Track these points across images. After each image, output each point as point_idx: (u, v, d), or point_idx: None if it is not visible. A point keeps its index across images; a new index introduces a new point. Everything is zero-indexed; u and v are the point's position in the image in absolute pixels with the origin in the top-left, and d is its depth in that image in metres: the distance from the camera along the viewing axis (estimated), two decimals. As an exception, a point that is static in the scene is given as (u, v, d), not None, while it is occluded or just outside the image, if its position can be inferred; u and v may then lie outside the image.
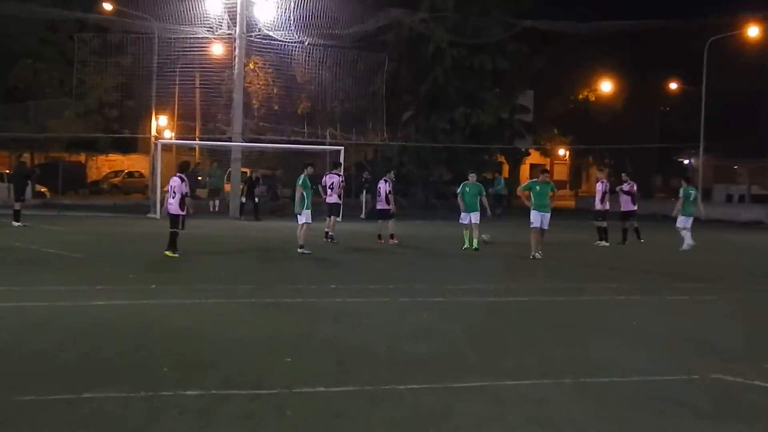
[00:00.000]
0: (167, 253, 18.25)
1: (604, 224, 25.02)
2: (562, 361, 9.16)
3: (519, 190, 22.20)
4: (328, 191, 23.94)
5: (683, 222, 24.10)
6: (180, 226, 18.72)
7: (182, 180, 18.40)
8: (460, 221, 22.49)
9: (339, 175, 24.50)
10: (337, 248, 22.12)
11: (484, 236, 23.75)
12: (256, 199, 34.42)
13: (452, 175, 53.32)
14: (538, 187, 20.73)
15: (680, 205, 24.21)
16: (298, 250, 19.84)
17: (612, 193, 25.86)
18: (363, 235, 26.51)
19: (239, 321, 11.00)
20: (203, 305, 12.27)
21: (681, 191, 24.48)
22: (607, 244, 24.67)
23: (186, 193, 18.38)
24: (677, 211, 24.25)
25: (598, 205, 25.19)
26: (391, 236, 23.65)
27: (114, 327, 10.38)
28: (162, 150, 36.46)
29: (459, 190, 22.74)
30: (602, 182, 25.73)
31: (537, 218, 20.43)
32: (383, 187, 24.08)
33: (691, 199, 24.31)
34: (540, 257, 20.01)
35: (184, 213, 18.64)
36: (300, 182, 20.15)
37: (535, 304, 13.31)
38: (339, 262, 19.02)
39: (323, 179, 24.47)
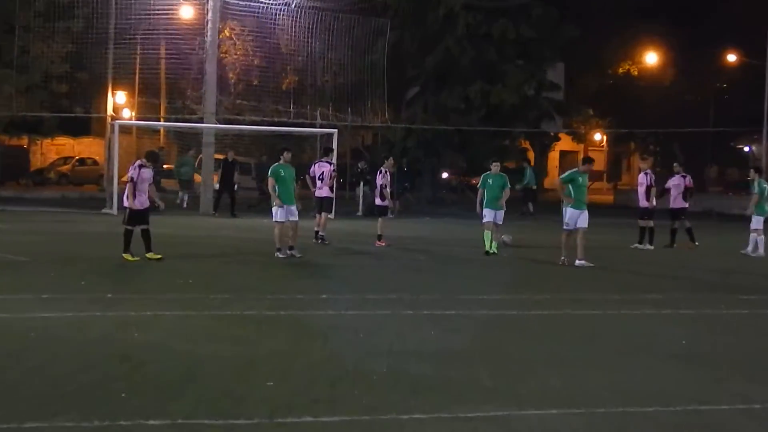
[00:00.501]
0: (125, 256, 18.29)
1: (651, 224, 25.03)
2: (595, 387, 9.17)
3: (557, 182, 22.00)
4: (318, 183, 23.84)
5: (757, 223, 23.90)
6: (125, 221, 18.67)
7: (140, 167, 18.42)
8: (483, 220, 22.18)
9: (330, 164, 24.36)
10: (329, 251, 22.11)
11: (504, 237, 23.76)
12: (236, 186, 34.32)
13: (466, 164, 53.36)
14: (580, 179, 20.39)
15: (755, 202, 24.05)
16: (276, 254, 19.87)
17: (662, 189, 25.81)
18: (360, 235, 26.51)
19: (211, 337, 11.02)
20: (168, 318, 12.29)
21: (755, 186, 24.25)
22: (651, 248, 24.70)
23: (134, 178, 18.35)
24: (751, 209, 24.10)
25: (643, 202, 25.14)
26: (379, 237, 23.65)
27: (62, 343, 10.39)
28: (120, 132, 36.46)
29: (480, 183, 22.61)
30: (646, 174, 25.71)
31: (573, 217, 20.28)
32: (378, 178, 24.07)
33: (766, 194, 24.03)
34: (569, 263, 19.99)
35: (126, 206, 18.64)
36: (270, 172, 20.19)
37: (564, 319, 13.33)
38: (331, 268, 19.01)
39: (312, 168, 24.29)
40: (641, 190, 25.31)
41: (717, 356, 10.93)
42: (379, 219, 23.95)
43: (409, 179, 43.13)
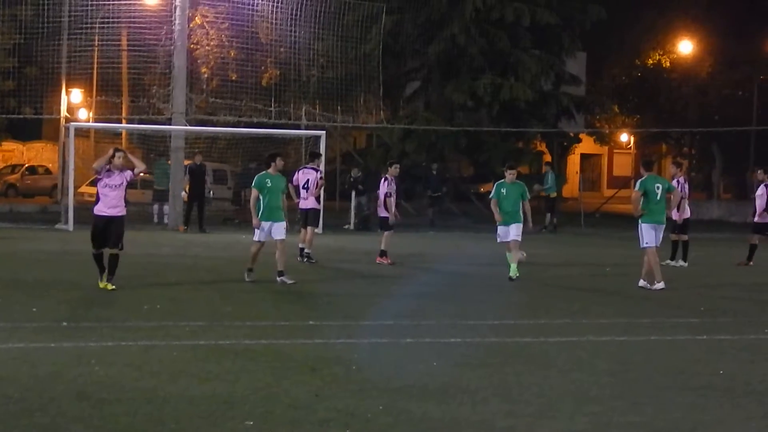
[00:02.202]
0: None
1: (685, 238, 25.07)
2: (625, 426, 9.16)
3: (634, 195, 21.17)
4: (303, 193, 23.78)
5: None
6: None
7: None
8: (499, 239, 21.38)
9: (317, 171, 24.33)
10: (316, 270, 22.11)
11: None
12: (211, 194, 34.11)
13: (474, 169, 53.38)
14: (658, 187, 20.15)
15: None
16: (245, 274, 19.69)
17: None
18: (351, 252, 26.51)
19: (181, 372, 11.00)
20: (131, 349, 12.27)
21: None
22: (686, 265, 24.74)
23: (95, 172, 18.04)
24: None
25: (674, 213, 25.14)
26: (382, 254, 23.64)
27: (8, 380, 10.35)
28: (76, 136, 36.44)
29: (493, 193, 21.46)
30: (679, 181, 25.70)
31: (651, 234, 19.94)
32: (381, 187, 24.04)
33: None
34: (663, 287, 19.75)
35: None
36: (254, 182, 19.97)
37: (587, 347, 13.31)
38: (318, 290, 19.00)
39: (295, 176, 24.13)
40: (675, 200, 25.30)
41: (762, 388, 10.92)
42: (385, 233, 23.87)
43: (438, 186, 42.34)
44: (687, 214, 25.19)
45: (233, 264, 22.63)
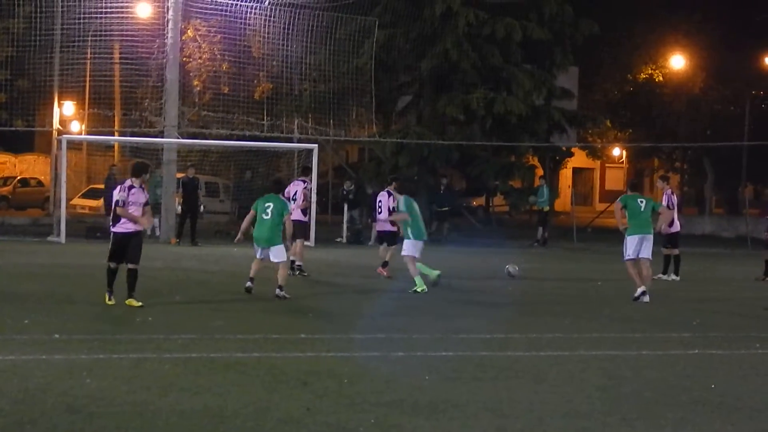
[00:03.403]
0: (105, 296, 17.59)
1: (676, 252, 25.14)
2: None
3: (615, 206, 21.98)
4: (291, 204, 23.75)
5: None
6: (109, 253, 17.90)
7: (123, 186, 17.62)
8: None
9: (305, 182, 24.37)
10: (308, 283, 22.11)
11: (509, 268, 23.85)
12: (202, 208, 34.09)
13: (466, 183, 53.39)
14: (642, 202, 20.90)
15: None
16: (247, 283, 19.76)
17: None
18: (342, 266, 26.51)
19: (172, 385, 11.00)
20: (123, 362, 12.26)
21: None
22: (677, 278, 24.80)
23: (121, 202, 17.54)
24: None
25: (664, 227, 25.20)
26: (384, 264, 23.65)
27: None
28: (68, 149, 36.42)
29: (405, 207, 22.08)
30: (667, 193, 25.72)
31: (634, 246, 20.46)
32: (385, 200, 23.93)
33: None
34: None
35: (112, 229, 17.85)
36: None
37: (578, 361, 13.34)
38: (310, 303, 19.01)
39: (287, 189, 24.20)
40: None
41: (754, 404, 10.94)
42: (391, 247, 23.80)
43: (445, 201, 42.11)
44: (676, 227, 25.24)
45: (225, 277, 22.64)
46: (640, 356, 13.92)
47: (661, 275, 24.99)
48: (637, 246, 20.40)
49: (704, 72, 61.25)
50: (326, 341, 14.29)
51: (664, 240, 25.30)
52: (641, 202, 20.79)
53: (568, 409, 10.41)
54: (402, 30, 45.80)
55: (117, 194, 17.35)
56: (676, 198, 25.88)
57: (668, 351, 14.35)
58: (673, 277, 24.93)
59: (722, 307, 20.35)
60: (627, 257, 20.53)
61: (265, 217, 19.62)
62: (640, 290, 20.20)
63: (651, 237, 20.70)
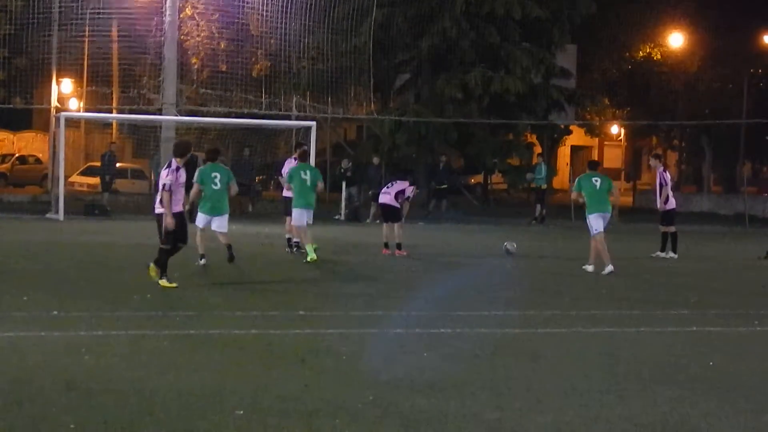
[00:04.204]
0: (159, 280, 17.07)
1: (672, 229, 25.13)
2: (614, 420, 9.16)
3: (573, 196, 22.56)
4: (284, 183, 23.78)
5: None
6: (163, 236, 17.16)
7: (170, 168, 17.31)
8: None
9: (295, 159, 24.32)
10: (305, 261, 22.11)
11: (507, 245, 23.90)
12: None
13: (464, 162, 53.34)
14: (596, 181, 21.36)
15: None
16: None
17: None
18: (341, 243, 26.47)
19: (170, 362, 10.97)
20: (121, 339, 12.24)
21: None
22: (675, 256, 24.80)
23: (168, 185, 17.21)
24: None
25: (660, 204, 25.25)
26: (398, 246, 23.63)
27: (-3, 370, 10.36)
28: (66, 126, 36.36)
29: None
30: (660, 172, 25.70)
31: (599, 222, 21.07)
32: (408, 189, 23.99)
33: None
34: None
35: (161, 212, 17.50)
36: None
37: (576, 339, 13.32)
38: (308, 280, 19.01)
39: (284, 167, 24.23)
40: (658, 191, 25.39)
41: (752, 382, 10.92)
42: (397, 226, 23.77)
43: (444, 179, 41.99)
44: (672, 205, 25.25)
45: (222, 254, 22.58)
46: (638, 334, 13.89)
47: (659, 253, 25.04)
48: (600, 222, 20.99)
49: (702, 50, 61.11)
50: (325, 318, 14.28)
51: (660, 217, 25.36)
52: (596, 180, 21.34)
53: (566, 387, 10.38)
54: (400, 9, 45.83)
55: (165, 177, 16.87)
56: (668, 175, 25.89)
57: (666, 329, 14.32)
58: (671, 254, 24.93)
59: (720, 285, 20.34)
60: (595, 231, 21.00)
61: (214, 187, 19.89)
62: (608, 268, 20.73)
63: (608, 215, 21.28)
